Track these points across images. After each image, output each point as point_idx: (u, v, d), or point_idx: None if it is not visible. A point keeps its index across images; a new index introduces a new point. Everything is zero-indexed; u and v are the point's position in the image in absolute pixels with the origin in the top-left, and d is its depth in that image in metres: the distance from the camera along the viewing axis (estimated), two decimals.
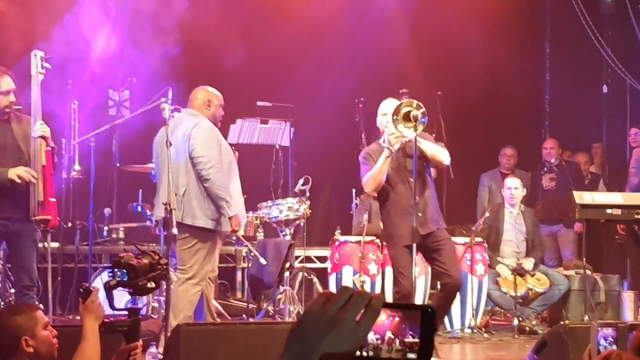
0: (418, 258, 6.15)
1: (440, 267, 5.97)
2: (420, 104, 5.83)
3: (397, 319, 1.18)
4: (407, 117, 5.76)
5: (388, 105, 6.01)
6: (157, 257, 3.43)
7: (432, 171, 8.27)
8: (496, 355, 6.87)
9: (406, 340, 1.17)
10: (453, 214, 8.90)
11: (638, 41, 10.16)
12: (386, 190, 6.06)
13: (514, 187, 8.04)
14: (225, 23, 9.01)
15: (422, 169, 5.99)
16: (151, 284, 3.41)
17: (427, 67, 9.68)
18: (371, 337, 1.17)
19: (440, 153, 6.00)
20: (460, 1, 9.86)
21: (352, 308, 1.15)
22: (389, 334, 1.19)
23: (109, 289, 3.35)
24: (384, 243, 6.84)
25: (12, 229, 5.33)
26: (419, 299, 6.24)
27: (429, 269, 7.38)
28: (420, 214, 5.83)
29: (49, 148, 5.44)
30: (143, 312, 6.54)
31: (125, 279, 3.35)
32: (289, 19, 9.35)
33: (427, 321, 1.16)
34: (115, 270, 3.36)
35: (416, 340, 1.15)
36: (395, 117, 5.75)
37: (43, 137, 5.38)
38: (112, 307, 3.42)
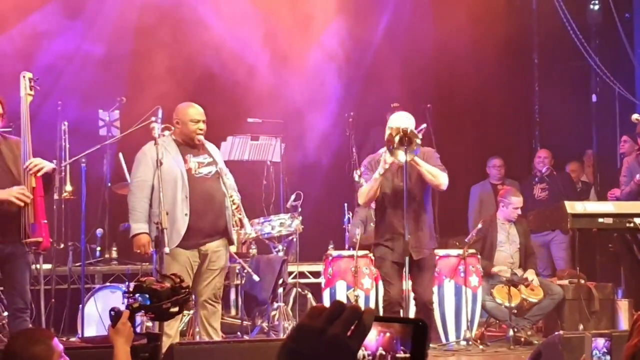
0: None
1: (413, 285, 6.06)
2: (414, 130, 5.80)
3: (388, 334, 1.17)
4: (402, 142, 5.75)
5: (393, 121, 5.99)
6: (178, 280, 3.35)
7: None
8: None
9: (397, 355, 1.16)
10: (445, 226, 8.90)
11: (625, 50, 10.20)
12: (383, 210, 6.11)
13: (520, 208, 8.05)
14: (215, 41, 9.02)
15: (419, 191, 5.98)
16: (175, 308, 3.33)
17: (416, 79, 9.69)
18: (362, 353, 1.15)
19: (439, 177, 5.95)
20: (448, 13, 9.89)
21: (344, 322, 1.12)
22: (380, 351, 1.17)
23: (132, 311, 3.28)
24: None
25: (4, 252, 5.27)
26: (412, 313, 6.22)
27: None
28: (410, 236, 5.83)
29: (44, 173, 5.31)
30: (137, 331, 6.49)
31: (147, 303, 3.30)
32: (279, 36, 9.37)
33: (418, 335, 1.13)
34: (137, 295, 3.29)
35: (407, 355, 1.13)
36: (391, 147, 5.74)
37: (35, 174, 5.22)
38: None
